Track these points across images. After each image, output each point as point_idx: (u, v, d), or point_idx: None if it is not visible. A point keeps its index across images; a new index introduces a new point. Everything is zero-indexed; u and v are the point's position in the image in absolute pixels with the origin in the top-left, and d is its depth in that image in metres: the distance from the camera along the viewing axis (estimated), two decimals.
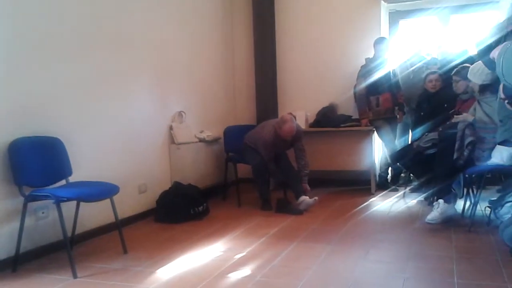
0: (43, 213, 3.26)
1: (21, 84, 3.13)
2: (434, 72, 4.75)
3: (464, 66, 4.25)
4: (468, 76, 3.89)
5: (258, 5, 5.91)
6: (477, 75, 3.75)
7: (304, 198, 4.42)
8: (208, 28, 5.62)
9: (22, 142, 3.05)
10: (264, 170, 4.63)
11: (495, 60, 3.63)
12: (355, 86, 5.33)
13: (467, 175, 3.88)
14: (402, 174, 5.48)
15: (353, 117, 5.38)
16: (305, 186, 4.59)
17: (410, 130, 5.28)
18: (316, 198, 4.43)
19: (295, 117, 4.72)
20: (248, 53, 6.12)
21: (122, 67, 4.09)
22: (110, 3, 3.95)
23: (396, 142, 5.25)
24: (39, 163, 3.12)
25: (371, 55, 5.26)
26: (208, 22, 5.62)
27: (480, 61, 3.99)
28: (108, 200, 3.19)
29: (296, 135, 4.57)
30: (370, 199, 4.91)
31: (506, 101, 3.08)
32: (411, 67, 5.32)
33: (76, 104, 3.57)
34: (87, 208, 3.48)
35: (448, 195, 3.83)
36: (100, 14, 3.84)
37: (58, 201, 2.83)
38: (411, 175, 5.02)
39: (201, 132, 5.13)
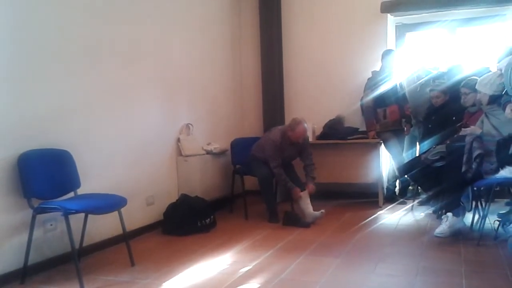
0: (51, 225, 3.27)
1: (30, 97, 3.16)
2: (433, 90, 4.77)
3: (472, 78, 4.24)
4: (477, 87, 3.88)
5: (265, 19, 5.96)
6: (488, 86, 3.75)
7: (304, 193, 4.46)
8: (216, 41, 5.66)
9: (31, 154, 3.07)
10: (270, 182, 4.63)
11: (503, 72, 3.65)
12: (361, 99, 5.34)
13: (475, 188, 3.86)
14: (410, 187, 5.45)
15: (360, 130, 5.37)
16: (310, 186, 4.58)
17: (417, 143, 5.27)
18: (323, 211, 4.41)
19: None
20: (255, 66, 6.15)
21: (130, 81, 4.12)
22: (120, 17, 4.00)
23: (404, 154, 5.23)
24: (47, 175, 3.14)
25: (377, 68, 5.28)
26: (216, 36, 5.67)
27: (489, 73, 4.01)
28: (116, 213, 3.20)
29: (306, 139, 4.63)
30: (378, 212, 4.89)
31: None
32: (418, 80, 5.32)
33: (84, 117, 3.61)
34: (95, 220, 3.49)
35: (457, 208, 3.81)
36: (110, 28, 3.88)
37: (67, 213, 2.84)
38: (419, 188, 4.99)
39: (209, 144, 5.14)
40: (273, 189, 4.79)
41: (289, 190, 4.54)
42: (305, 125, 4.52)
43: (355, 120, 5.57)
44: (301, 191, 4.50)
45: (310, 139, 5.21)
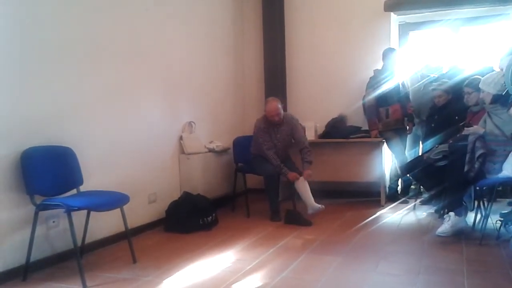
0: (53, 222, 3.28)
1: (33, 94, 3.17)
2: (436, 89, 4.76)
3: (475, 77, 4.23)
4: (481, 86, 3.87)
5: (268, 16, 5.96)
6: (492, 85, 3.74)
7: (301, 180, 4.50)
8: (219, 39, 5.66)
9: (34, 151, 3.08)
10: (276, 179, 4.63)
11: (503, 71, 3.64)
12: (364, 97, 5.34)
13: (478, 188, 3.86)
14: (412, 186, 5.45)
15: (362, 128, 5.37)
16: (307, 171, 4.57)
17: (420, 142, 5.26)
18: (323, 206, 4.42)
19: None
20: (257, 64, 6.16)
21: (134, 78, 4.13)
22: (122, 16, 4.01)
23: (406, 153, 5.23)
24: (50, 172, 3.14)
25: (380, 67, 5.26)
26: (219, 34, 5.67)
27: (493, 72, 4.00)
28: (118, 210, 3.21)
29: (289, 119, 4.69)
30: (380, 211, 4.88)
31: None
32: (422, 79, 5.31)
33: (87, 114, 3.61)
34: (97, 218, 3.49)
35: (459, 207, 3.80)
36: (112, 27, 3.89)
37: (69, 210, 2.85)
38: (422, 187, 4.98)
39: (211, 142, 5.15)
40: (277, 187, 4.78)
41: (285, 175, 4.57)
42: (278, 103, 4.57)
43: (358, 119, 5.56)
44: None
45: (313, 138, 5.22)
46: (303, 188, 4.50)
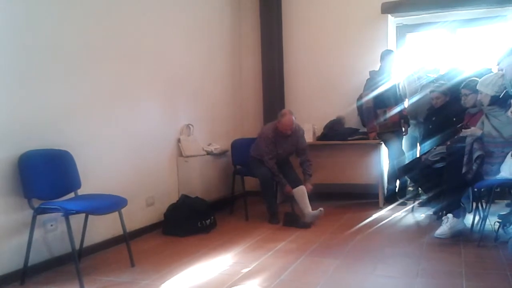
0: (51, 225, 3.27)
1: (30, 98, 3.16)
2: (434, 90, 4.76)
3: (473, 79, 4.24)
4: (478, 87, 3.87)
5: (265, 19, 5.96)
6: (490, 86, 3.74)
7: (301, 188, 4.51)
8: (217, 42, 5.67)
9: (32, 155, 3.07)
10: (272, 182, 4.63)
11: (504, 71, 3.65)
12: (358, 99, 5.33)
13: (476, 189, 3.86)
14: (410, 188, 5.44)
15: (360, 130, 5.37)
16: (307, 185, 4.60)
17: (418, 144, 5.26)
18: (321, 209, 4.41)
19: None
20: (255, 67, 6.16)
21: (131, 81, 4.13)
22: (121, 18, 4.01)
23: (404, 155, 5.23)
24: (48, 176, 3.14)
25: (376, 69, 5.27)
26: (217, 37, 5.67)
27: (491, 73, 4.00)
28: (116, 213, 3.20)
29: (297, 131, 4.65)
30: (378, 212, 4.88)
31: None
32: (419, 80, 5.32)
33: (85, 117, 3.61)
34: (95, 221, 3.49)
35: (457, 209, 3.80)
36: (110, 29, 3.89)
37: (67, 214, 2.84)
38: (420, 189, 4.98)
39: (209, 145, 5.15)
40: (274, 190, 4.78)
41: (281, 186, 4.59)
42: (293, 117, 4.54)
43: (356, 121, 5.57)
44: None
45: (311, 140, 5.22)
46: (302, 195, 4.49)
